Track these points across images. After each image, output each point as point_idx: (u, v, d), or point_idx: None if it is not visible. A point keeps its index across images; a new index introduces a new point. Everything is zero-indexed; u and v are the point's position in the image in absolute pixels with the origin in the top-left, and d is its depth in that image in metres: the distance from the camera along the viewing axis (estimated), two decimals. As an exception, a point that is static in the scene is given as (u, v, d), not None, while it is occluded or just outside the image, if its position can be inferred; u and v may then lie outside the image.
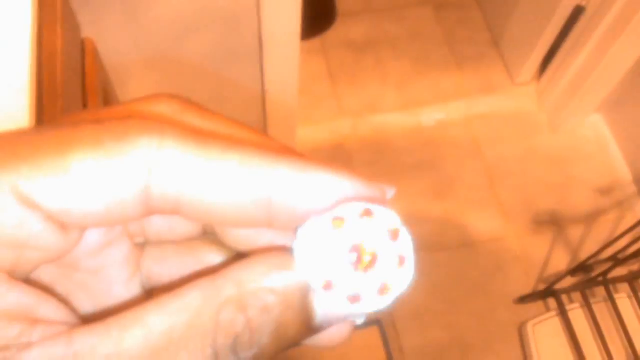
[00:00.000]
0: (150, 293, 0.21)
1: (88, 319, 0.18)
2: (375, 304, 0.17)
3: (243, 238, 0.20)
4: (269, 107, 1.36)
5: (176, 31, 1.11)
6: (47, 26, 0.65)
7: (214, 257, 0.21)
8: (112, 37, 1.07)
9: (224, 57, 1.20)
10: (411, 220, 1.60)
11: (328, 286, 0.17)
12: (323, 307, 0.17)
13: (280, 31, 1.14)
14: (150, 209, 0.17)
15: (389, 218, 0.17)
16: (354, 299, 0.17)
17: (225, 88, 1.29)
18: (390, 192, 0.19)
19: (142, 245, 0.21)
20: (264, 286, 0.16)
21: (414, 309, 1.51)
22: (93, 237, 0.19)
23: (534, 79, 1.87)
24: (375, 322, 1.47)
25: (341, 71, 1.86)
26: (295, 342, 0.17)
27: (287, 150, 0.18)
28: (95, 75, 0.98)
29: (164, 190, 0.16)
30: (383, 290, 0.17)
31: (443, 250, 1.61)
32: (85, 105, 0.94)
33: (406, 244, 0.18)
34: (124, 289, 0.20)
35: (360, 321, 0.19)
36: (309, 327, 0.17)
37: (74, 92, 0.87)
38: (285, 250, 0.18)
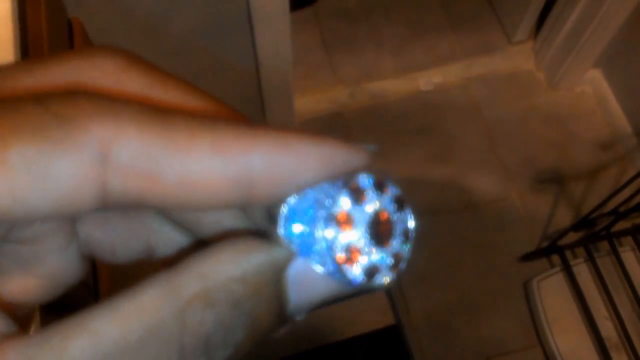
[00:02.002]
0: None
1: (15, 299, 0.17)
2: (388, 277, 0.17)
3: (204, 222, 0.18)
4: (264, 80, 1.36)
5: (162, 6, 1.11)
6: (30, 7, 0.65)
7: (163, 225, 0.19)
8: (98, 16, 1.07)
9: (214, 31, 1.19)
10: (413, 184, 1.61)
11: (350, 260, 0.16)
12: (296, 292, 0.16)
13: (269, 0, 1.14)
14: (107, 203, 0.15)
15: (395, 189, 0.17)
16: (373, 272, 0.16)
17: (217, 63, 1.29)
18: (372, 151, 0.17)
19: None
20: (232, 276, 0.15)
21: (419, 272, 1.52)
22: None
23: (530, 37, 1.86)
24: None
25: (335, 40, 1.86)
26: (268, 333, 0.16)
27: (242, 117, 0.17)
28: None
29: (124, 186, 0.14)
30: (396, 263, 0.17)
31: (446, 213, 1.62)
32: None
33: (411, 216, 0.17)
34: (60, 257, 0.18)
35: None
36: (283, 316, 0.16)
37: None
38: (248, 233, 0.16)
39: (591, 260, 1.43)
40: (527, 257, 1.54)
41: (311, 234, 0.16)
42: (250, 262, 0.15)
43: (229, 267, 0.15)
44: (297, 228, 0.16)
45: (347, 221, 0.16)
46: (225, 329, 0.15)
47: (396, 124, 1.74)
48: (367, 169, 0.16)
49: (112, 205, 0.15)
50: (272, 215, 0.17)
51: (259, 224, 0.18)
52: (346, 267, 0.16)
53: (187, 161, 0.14)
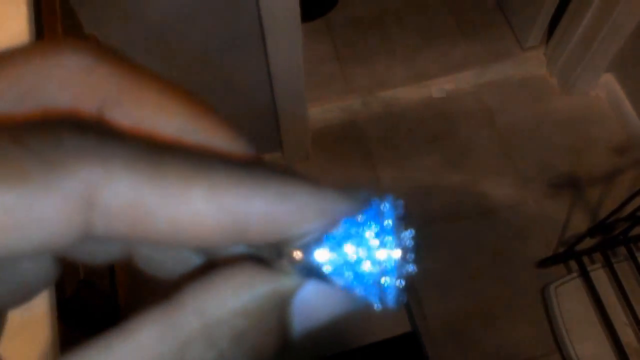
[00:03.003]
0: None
1: None
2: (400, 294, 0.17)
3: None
4: (277, 91, 1.37)
5: (176, 22, 1.12)
6: (47, 25, 0.67)
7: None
8: (115, 33, 1.09)
9: (227, 44, 1.21)
10: (428, 191, 1.61)
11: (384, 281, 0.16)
12: (301, 319, 0.15)
13: (280, 13, 1.15)
14: (91, 238, 0.14)
15: (397, 207, 0.17)
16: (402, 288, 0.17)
17: (231, 75, 1.31)
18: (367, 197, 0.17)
19: None
20: (234, 310, 0.14)
21: (436, 278, 1.52)
22: None
23: (542, 42, 1.86)
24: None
25: (348, 49, 1.87)
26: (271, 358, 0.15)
27: (243, 144, 0.16)
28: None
29: (111, 228, 0.14)
30: (404, 280, 0.17)
31: (462, 219, 1.61)
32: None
33: (410, 234, 0.18)
34: (34, 263, 0.17)
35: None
36: (286, 342, 0.15)
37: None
38: (249, 260, 0.16)
39: (609, 265, 1.42)
40: (544, 263, 1.53)
41: (347, 262, 0.16)
42: (252, 294, 0.14)
43: (230, 300, 0.14)
44: (324, 255, 0.16)
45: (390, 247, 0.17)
46: None
47: (409, 131, 1.74)
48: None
49: (97, 239, 0.14)
50: (277, 247, 0.16)
51: (261, 253, 0.17)
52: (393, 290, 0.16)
53: (181, 208, 0.13)
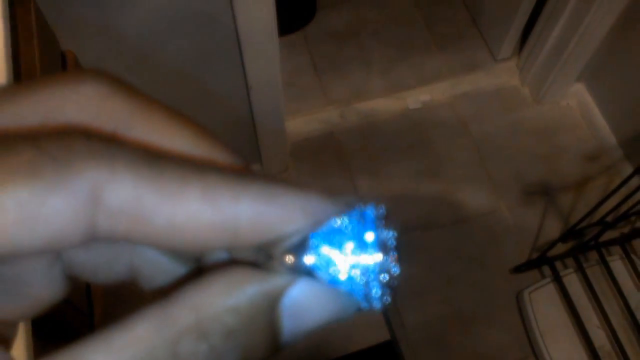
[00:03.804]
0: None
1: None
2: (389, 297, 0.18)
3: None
4: (254, 103, 1.39)
5: (153, 36, 1.13)
6: (23, 41, 0.68)
7: (159, 256, 0.19)
8: (91, 48, 1.09)
9: (204, 58, 1.22)
10: (404, 201, 1.64)
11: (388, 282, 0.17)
12: (291, 321, 0.16)
13: (257, 27, 1.17)
14: (95, 239, 0.15)
15: (379, 209, 0.18)
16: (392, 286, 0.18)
17: (208, 88, 1.32)
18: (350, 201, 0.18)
19: None
20: (225, 307, 0.15)
21: (413, 286, 1.54)
22: None
23: (514, 53, 1.90)
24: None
25: (325, 62, 1.90)
26: None
27: (227, 150, 0.18)
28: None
29: (113, 227, 0.15)
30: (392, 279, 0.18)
31: (438, 227, 1.64)
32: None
33: (393, 235, 0.18)
34: (44, 276, 0.18)
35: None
36: (276, 344, 0.16)
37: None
38: (241, 263, 0.16)
39: (581, 270, 1.45)
40: (518, 269, 1.56)
41: (333, 261, 0.17)
42: (243, 293, 0.15)
43: (222, 298, 0.15)
44: (312, 256, 0.16)
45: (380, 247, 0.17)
46: (218, 359, 0.15)
47: (386, 142, 1.77)
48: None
49: (98, 240, 0.15)
50: (266, 251, 0.17)
51: (250, 255, 0.18)
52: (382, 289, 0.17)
53: (177, 207, 0.15)
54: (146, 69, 1.21)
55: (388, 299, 0.17)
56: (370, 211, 0.17)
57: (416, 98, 1.84)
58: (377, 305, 0.17)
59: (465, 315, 1.54)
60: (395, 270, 0.17)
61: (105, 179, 0.14)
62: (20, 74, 0.66)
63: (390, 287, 0.17)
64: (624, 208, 1.25)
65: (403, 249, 0.18)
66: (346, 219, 0.17)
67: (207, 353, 0.14)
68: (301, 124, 1.78)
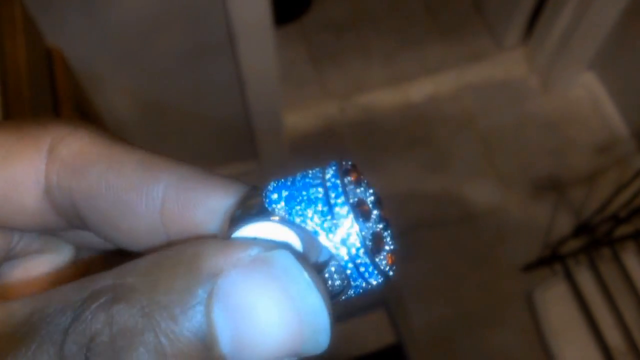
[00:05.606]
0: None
1: None
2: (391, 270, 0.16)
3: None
4: (250, 99, 1.33)
5: (142, 31, 1.08)
6: (7, 38, 0.63)
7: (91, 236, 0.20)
8: (79, 44, 1.04)
9: (196, 51, 1.17)
10: (408, 198, 1.58)
11: (377, 248, 0.15)
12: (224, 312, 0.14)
13: (251, 17, 1.11)
14: (51, 201, 0.17)
15: (345, 165, 0.16)
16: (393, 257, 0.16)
17: (202, 84, 1.27)
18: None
19: None
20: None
21: (419, 287, 1.49)
22: None
23: (521, 41, 1.84)
24: (382, 303, 1.46)
25: (323, 53, 1.83)
26: None
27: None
28: (66, 84, 0.95)
29: (60, 182, 0.16)
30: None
31: (444, 225, 1.59)
32: (58, 116, 0.91)
33: (372, 192, 0.17)
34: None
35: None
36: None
37: (44, 103, 0.85)
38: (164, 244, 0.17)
39: (593, 267, 1.40)
40: (529, 267, 1.51)
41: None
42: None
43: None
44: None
45: (368, 211, 0.15)
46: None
47: (388, 136, 1.71)
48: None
49: (56, 208, 0.17)
50: (232, 218, 0.16)
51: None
52: (372, 255, 0.15)
53: (113, 165, 0.16)
54: (135, 65, 1.17)
55: (389, 271, 0.15)
56: (333, 168, 0.15)
57: (419, 89, 1.78)
58: (377, 281, 0.15)
59: (474, 315, 1.50)
60: (387, 235, 0.15)
61: (65, 134, 0.17)
62: (6, 71, 0.61)
63: (387, 254, 0.15)
64: (638, 201, 1.21)
65: (386, 205, 0.16)
66: (307, 181, 0.15)
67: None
68: (300, 119, 1.72)
